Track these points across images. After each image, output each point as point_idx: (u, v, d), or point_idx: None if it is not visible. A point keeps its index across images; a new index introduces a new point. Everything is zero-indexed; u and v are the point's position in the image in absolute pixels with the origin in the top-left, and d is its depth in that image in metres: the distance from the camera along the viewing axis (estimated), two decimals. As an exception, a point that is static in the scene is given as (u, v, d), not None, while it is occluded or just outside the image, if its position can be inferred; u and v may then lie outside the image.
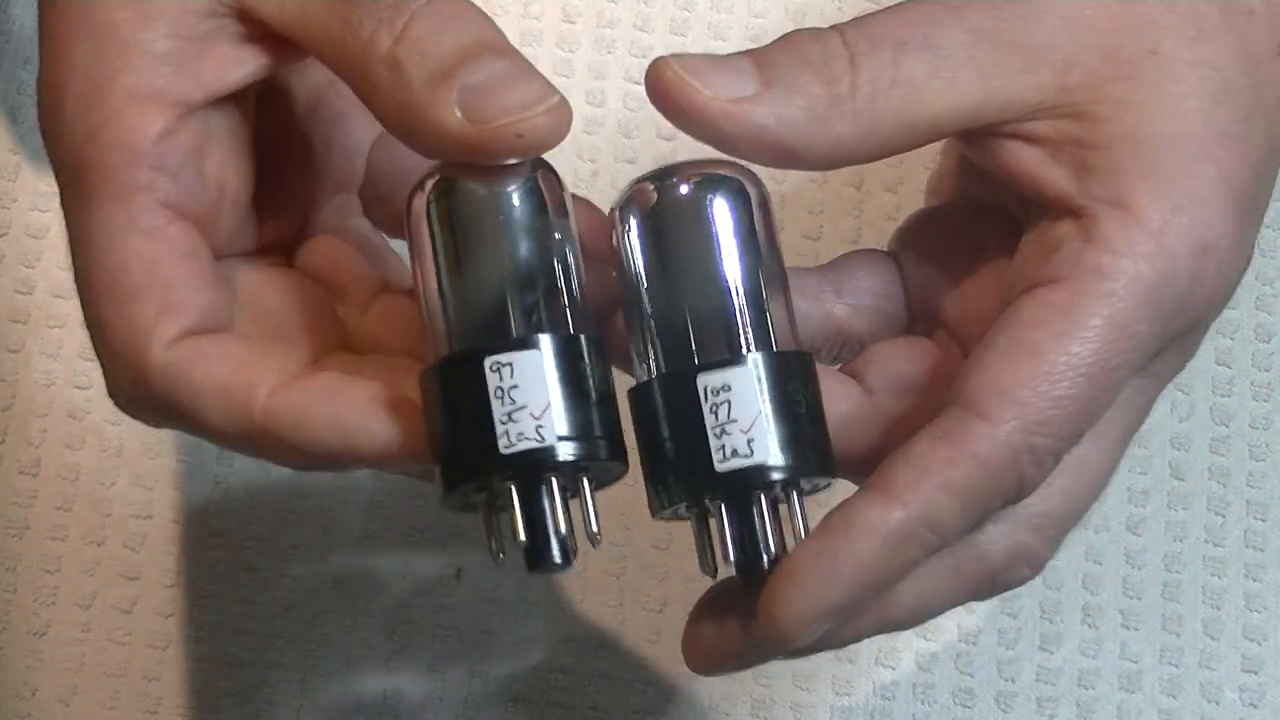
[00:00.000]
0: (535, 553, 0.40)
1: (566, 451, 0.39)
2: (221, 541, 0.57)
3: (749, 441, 0.40)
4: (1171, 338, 0.42)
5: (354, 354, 0.44)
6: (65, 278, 0.59)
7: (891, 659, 0.56)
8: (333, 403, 0.40)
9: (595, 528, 0.41)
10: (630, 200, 0.42)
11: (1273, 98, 0.42)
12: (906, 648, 0.57)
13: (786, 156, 0.41)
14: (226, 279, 0.43)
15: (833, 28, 0.42)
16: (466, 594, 0.57)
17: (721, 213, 0.42)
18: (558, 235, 0.41)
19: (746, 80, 0.41)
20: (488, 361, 0.39)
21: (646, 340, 0.42)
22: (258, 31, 0.42)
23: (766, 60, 0.42)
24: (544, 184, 0.41)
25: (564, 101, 0.40)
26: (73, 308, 0.58)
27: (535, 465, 0.39)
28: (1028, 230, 0.43)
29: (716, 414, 0.40)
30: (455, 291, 0.41)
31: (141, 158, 0.41)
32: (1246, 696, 0.56)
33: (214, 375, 0.41)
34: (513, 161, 0.41)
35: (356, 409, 0.40)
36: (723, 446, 0.40)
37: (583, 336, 0.41)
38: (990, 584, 0.43)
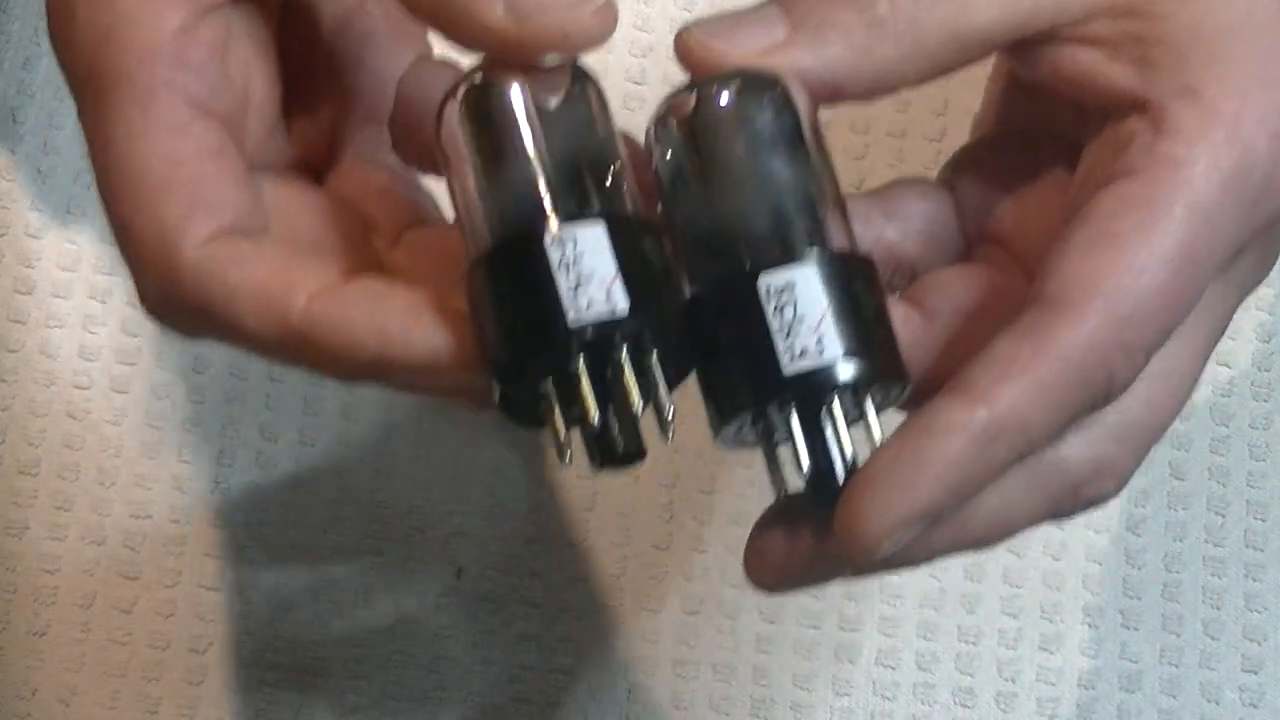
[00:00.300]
0: (606, 440, 0.38)
1: (641, 319, 0.37)
2: (221, 542, 0.57)
3: (817, 340, 0.38)
4: (1253, 231, 0.40)
5: (388, 276, 0.42)
6: (65, 278, 0.59)
7: (891, 659, 0.56)
8: (374, 308, 0.38)
9: (669, 414, 0.38)
10: (671, 110, 0.40)
11: None
12: (906, 648, 0.57)
13: (832, 93, 0.40)
14: (257, 188, 0.41)
15: None
16: (466, 594, 0.56)
17: (767, 113, 0.40)
18: (601, 125, 0.40)
19: (775, 27, 0.40)
20: (548, 234, 0.37)
21: (697, 254, 0.40)
22: None
23: (793, 2, 0.40)
24: (583, 79, 0.40)
25: (611, 3, 0.38)
26: (72, 307, 0.58)
27: (607, 335, 0.37)
28: (1090, 141, 0.42)
29: (781, 314, 0.38)
30: (498, 188, 0.39)
31: (160, 55, 0.39)
32: (1246, 696, 0.56)
33: (250, 277, 0.39)
34: (553, 64, 0.39)
35: (399, 315, 0.38)
36: (790, 347, 0.38)
37: (638, 215, 0.39)
38: (1072, 497, 0.41)
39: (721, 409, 0.39)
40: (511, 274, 0.37)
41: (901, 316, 0.41)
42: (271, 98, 0.42)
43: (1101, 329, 0.38)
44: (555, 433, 0.38)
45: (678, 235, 0.40)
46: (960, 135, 0.46)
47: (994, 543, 0.41)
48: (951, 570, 0.57)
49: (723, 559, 0.56)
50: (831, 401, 0.38)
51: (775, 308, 0.38)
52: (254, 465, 0.57)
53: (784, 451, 0.39)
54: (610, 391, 0.37)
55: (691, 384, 0.39)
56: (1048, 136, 0.44)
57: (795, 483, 0.39)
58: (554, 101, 0.39)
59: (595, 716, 0.56)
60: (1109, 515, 0.58)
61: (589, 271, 0.37)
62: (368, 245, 0.43)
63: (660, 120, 0.40)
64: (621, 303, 0.37)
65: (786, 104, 0.40)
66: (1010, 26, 0.40)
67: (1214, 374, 0.59)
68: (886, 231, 0.43)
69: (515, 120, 0.39)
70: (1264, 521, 0.58)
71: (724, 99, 0.40)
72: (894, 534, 0.38)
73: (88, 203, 0.60)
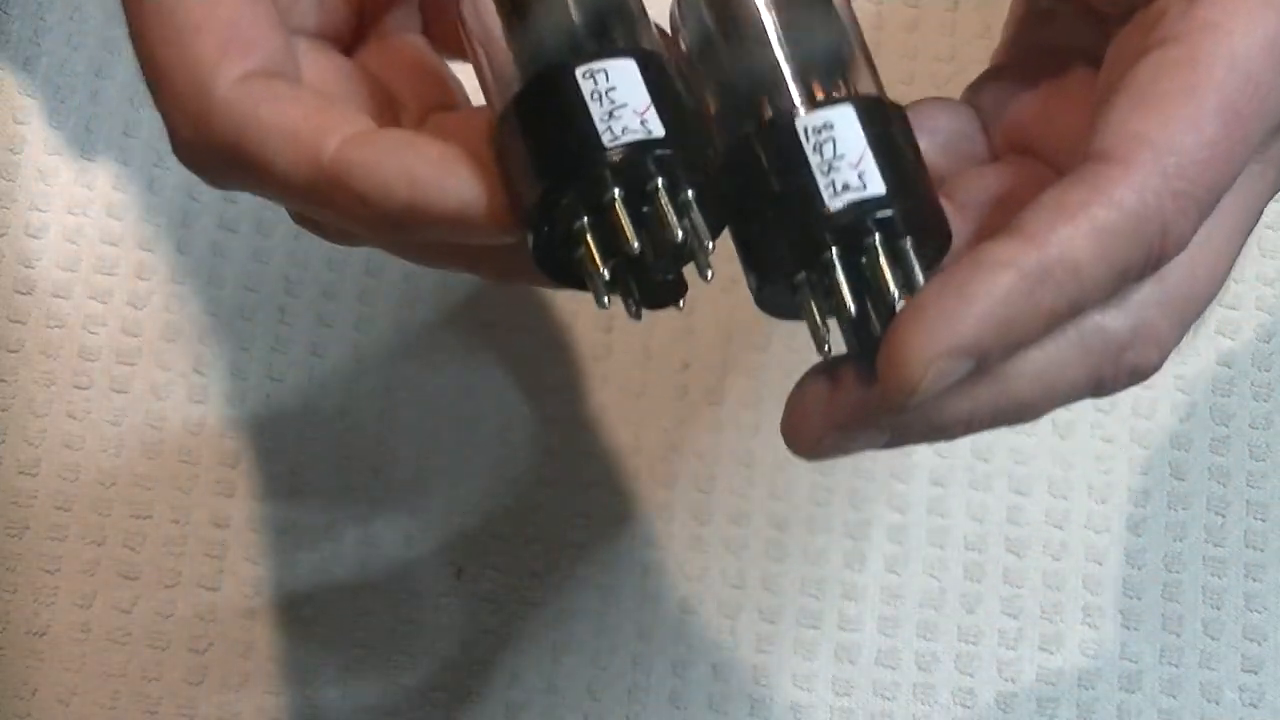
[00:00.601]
0: (645, 274, 0.38)
1: (676, 145, 0.37)
2: (222, 542, 0.57)
3: (860, 175, 0.37)
4: None
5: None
6: (65, 278, 0.59)
7: (892, 659, 0.56)
8: (406, 155, 0.38)
9: (708, 249, 0.37)
10: None
11: None
12: (906, 648, 0.57)
13: None
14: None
15: None
16: (466, 594, 0.56)
17: None
18: None
19: None
20: (580, 70, 0.37)
21: (729, 115, 0.39)
22: None
23: None
24: None
25: None
26: (72, 307, 0.59)
27: (642, 161, 0.37)
28: (1119, 31, 0.41)
29: (821, 152, 0.37)
30: (526, 33, 0.38)
31: None
32: (1246, 696, 0.56)
33: (284, 115, 0.38)
34: None
35: (432, 162, 0.38)
36: (832, 183, 0.37)
37: (667, 57, 0.38)
38: (1115, 364, 0.40)
39: (765, 263, 0.38)
40: (543, 109, 0.37)
41: None
42: None
43: (1154, 177, 0.38)
44: (592, 271, 0.38)
45: (710, 99, 0.40)
46: (969, 55, 0.46)
47: (1037, 412, 0.40)
48: (951, 570, 0.57)
49: (722, 558, 0.56)
50: (875, 239, 0.37)
51: (815, 146, 0.37)
52: (253, 465, 0.57)
53: (827, 309, 0.38)
54: (648, 223, 0.37)
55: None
56: (1068, 51, 0.43)
57: (840, 346, 0.38)
58: None
59: (595, 716, 0.56)
60: (1109, 515, 0.58)
61: (622, 100, 0.37)
62: (396, 113, 0.42)
63: None
64: (657, 128, 0.36)
65: None
66: None
67: (1214, 374, 0.59)
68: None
69: None
70: (1264, 521, 0.58)
71: None
72: (938, 369, 0.37)
73: (88, 203, 0.60)
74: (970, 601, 0.57)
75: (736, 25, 0.39)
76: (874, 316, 0.38)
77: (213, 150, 0.39)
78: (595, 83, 0.37)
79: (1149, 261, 0.38)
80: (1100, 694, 0.56)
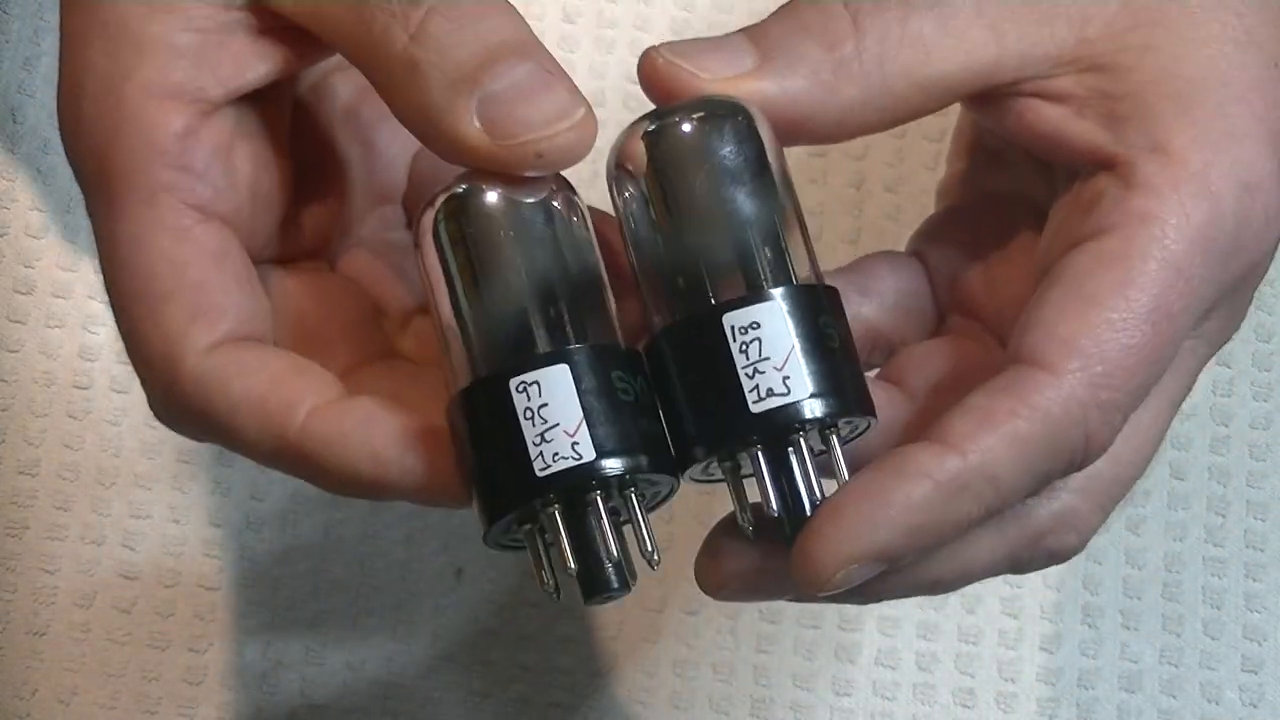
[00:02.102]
0: (590, 580, 0.38)
1: (609, 467, 0.37)
2: (221, 542, 0.57)
3: (784, 379, 0.37)
4: (1225, 286, 0.40)
5: (394, 364, 0.43)
6: (65, 278, 0.59)
7: (891, 659, 0.56)
8: (370, 432, 0.39)
9: (651, 546, 0.38)
10: (628, 146, 0.40)
11: None
12: (906, 648, 0.57)
13: (793, 129, 0.40)
14: (263, 283, 0.42)
15: None
16: (466, 594, 0.56)
17: (732, 142, 0.39)
18: (577, 245, 0.39)
19: (743, 56, 0.40)
20: (513, 382, 0.37)
21: (664, 298, 0.39)
22: (277, 25, 0.41)
23: (763, 33, 0.40)
24: (562, 194, 0.40)
25: (589, 115, 0.38)
26: (72, 307, 0.59)
27: (576, 485, 0.37)
28: (1058, 197, 0.42)
29: (746, 353, 0.38)
30: (474, 314, 0.39)
31: (163, 156, 0.40)
32: (1246, 696, 0.56)
33: (251, 389, 0.39)
34: (533, 175, 0.39)
35: (392, 440, 0.39)
36: (756, 387, 0.37)
37: (610, 346, 0.39)
38: (1033, 548, 0.41)
39: (689, 449, 0.38)
40: (483, 418, 0.38)
41: (886, 399, 0.41)
42: (281, 189, 0.43)
43: (1080, 388, 0.38)
44: (538, 573, 0.39)
45: (643, 269, 0.40)
46: (917, 183, 0.46)
47: (949, 589, 0.41)
48: (951, 570, 0.57)
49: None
50: (799, 440, 0.38)
51: (740, 346, 0.38)
52: (253, 465, 0.57)
53: (750, 484, 0.39)
54: (587, 532, 0.38)
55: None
56: (1014, 201, 0.44)
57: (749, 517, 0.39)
58: (526, 215, 0.39)
59: (595, 716, 0.56)
60: (1109, 515, 0.58)
61: (554, 420, 0.37)
62: (378, 329, 0.43)
63: (621, 149, 0.40)
64: (588, 451, 0.37)
65: (751, 133, 0.39)
66: (974, 76, 0.40)
67: (1214, 374, 0.59)
68: (862, 310, 0.43)
69: (491, 236, 0.39)
70: (1264, 521, 0.58)
71: (688, 126, 0.39)
72: (850, 570, 0.38)
73: (87, 203, 0.60)
74: (970, 601, 0.57)
75: (670, 198, 0.39)
76: (801, 504, 0.38)
77: (184, 416, 0.40)
78: (528, 398, 0.37)
79: (1071, 467, 0.39)
80: (1100, 694, 0.56)
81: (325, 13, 0.40)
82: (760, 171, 0.39)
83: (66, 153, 0.42)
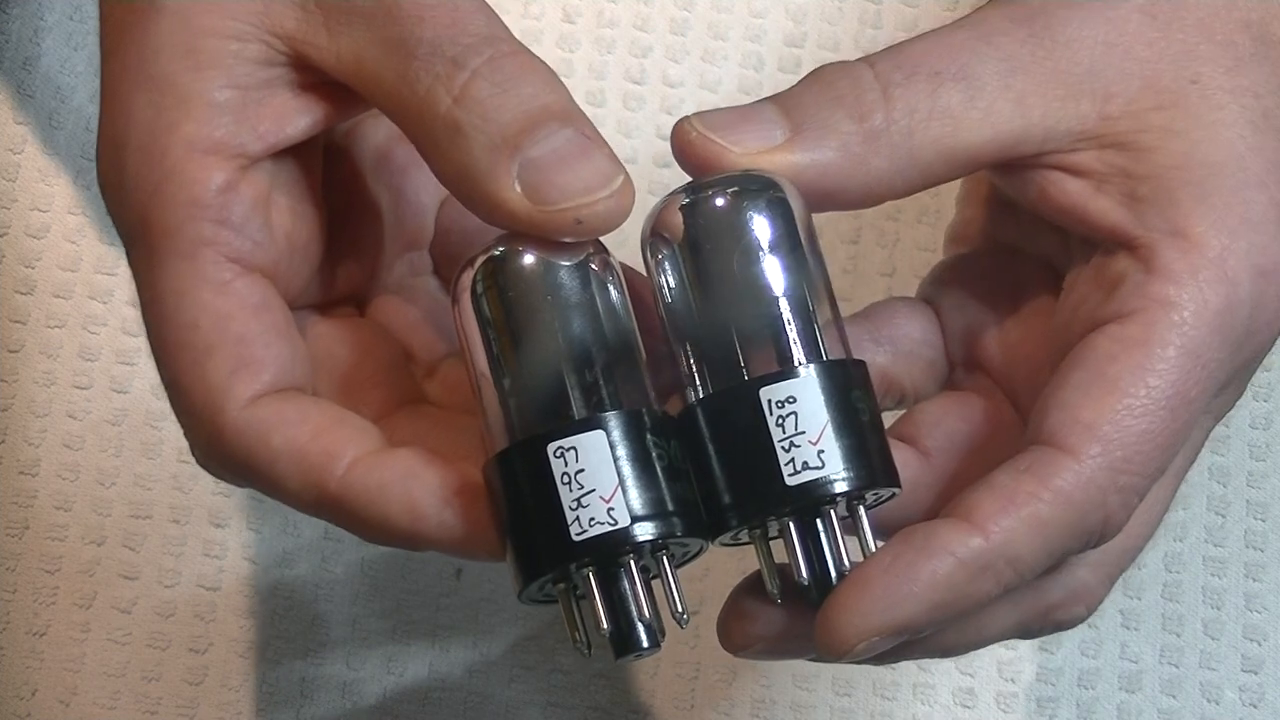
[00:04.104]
0: (621, 639, 0.39)
1: (642, 532, 0.38)
2: (221, 542, 0.57)
3: (819, 453, 0.39)
4: (1238, 367, 0.42)
5: (424, 410, 0.43)
6: (65, 278, 0.59)
7: (891, 659, 0.56)
8: (408, 486, 0.39)
9: (680, 607, 0.39)
10: (664, 218, 0.40)
11: None
12: (906, 648, 0.57)
13: (824, 199, 0.41)
14: (299, 329, 0.42)
15: (863, 60, 0.41)
16: (466, 594, 0.56)
17: (761, 219, 0.40)
18: (613, 309, 0.40)
19: (774, 129, 0.40)
20: (550, 448, 0.38)
21: (696, 365, 0.40)
22: (317, 80, 0.41)
23: (794, 103, 0.41)
24: (599, 256, 0.40)
25: (627, 183, 0.39)
26: (72, 307, 0.59)
27: (611, 550, 0.38)
28: (1074, 266, 0.43)
29: (783, 426, 0.39)
30: (511, 375, 0.39)
31: (204, 211, 0.40)
32: (1246, 696, 0.56)
33: (291, 441, 0.40)
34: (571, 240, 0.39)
35: (431, 495, 0.39)
36: (792, 460, 0.39)
37: (645, 410, 0.39)
38: (1043, 619, 0.42)
39: (724, 516, 0.39)
40: (521, 481, 0.38)
41: (902, 459, 0.42)
42: (316, 239, 0.43)
43: (1100, 472, 0.39)
44: (572, 633, 0.40)
45: (675, 333, 0.41)
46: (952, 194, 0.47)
47: (959, 654, 0.42)
48: (951, 570, 0.57)
49: (724, 558, 0.56)
50: (829, 510, 0.39)
51: (777, 420, 0.39)
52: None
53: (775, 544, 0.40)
54: (621, 594, 0.39)
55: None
56: (1028, 256, 0.45)
57: (774, 585, 0.40)
58: (564, 279, 0.39)
59: (595, 716, 0.55)
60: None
61: (591, 485, 0.38)
62: (407, 375, 0.44)
63: (658, 219, 0.40)
64: (623, 518, 0.38)
65: (784, 209, 0.40)
66: (1000, 147, 0.41)
67: (1214, 374, 0.59)
68: (877, 357, 0.44)
69: (529, 300, 0.39)
70: (1264, 521, 0.58)
71: (722, 201, 0.40)
72: (872, 640, 0.39)
73: (88, 203, 0.60)
74: (970, 601, 0.57)
75: (705, 272, 0.40)
76: (828, 573, 0.39)
77: (226, 465, 0.41)
78: (565, 463, 0.38)
79: (1088, 546, 0.40)
80: (1100, 694, 0.56)
81: (367, 71, 0.40)
82: (793, 247, 0.40)
83: (107, 204, 0.42)
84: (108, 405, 0.58)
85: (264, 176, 0.41)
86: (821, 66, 0.42)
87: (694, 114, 0.41)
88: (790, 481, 0.39)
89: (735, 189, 0.40)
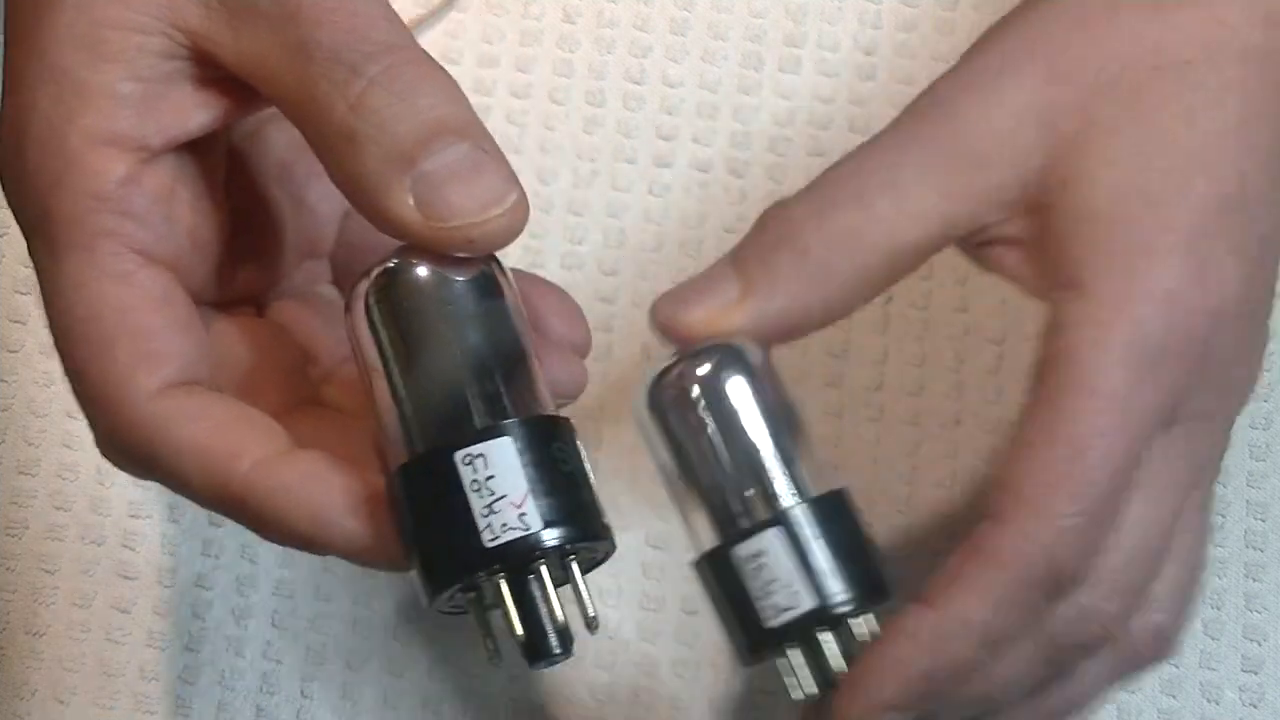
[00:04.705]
0: (534, 646, 0.39)
1: (554, 537, 0.38)
2: (220, 542, 0.57)
3: (793, 594, 0.40)
4: (1173, 387, 0.42)
5: (321, 411, 0.44)
6: (64, 277, 0.59)
7: (891, 659, 0.56)
8: (312, 490, 0.39)
9: (592, 611, 0.40)
10: (652, 389, 0.43)
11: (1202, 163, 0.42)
12: (906, 648, 0.57)
13: (791, 332, 0.42)
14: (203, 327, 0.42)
15: (795, 196, 0.43)
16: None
17: (727, 383, 0.42)
18: (508, 317, 0.40)
19: (728, 287, 0.42)
20: (459, 455, 0.38)
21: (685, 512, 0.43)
22: (219, 75, 0.41)
23: (743, 257, 0.43)
24: (492, 264, 0.40)
25: (521, 200, 0.39)
26: (72, 307, 0.59)
27: (524, 555, 0.38)
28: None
29: (759, 576, 0.41)
30: (408, 385, 0.40)
31: (104, 203, 0.40)
32: (1246, 696, 0.56)
33: (195, 436, 0.40)
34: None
35: (335, 502, 0.39)
36: (774, 605, 0.41)
37: (545, 417, 0.40)
38: (1055, 648, 0.43)
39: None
40: (428, 489, 0.39)
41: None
42: (217, 237, 0.43)
43: (1025, 532, 0.41)
44: (484, 639, 0.40)
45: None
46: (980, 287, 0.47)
47: (1008, 699, 0.43)
48: (951, 570, 0.57)
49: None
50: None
51: (749, 572, 0.41)
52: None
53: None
54: (533, 600, 0.39)
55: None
56: None
57: (802, 691, 0.42)
58: (465, 292, 0.40)
59: (596, 717, 0.55)
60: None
61: (501, 490, 0.38)
62: (304, 378, 0.44)
63: (649, 393, 0.43)
64: (535, 521, 0.38)
65: (744, 365, 0.42)
66: (934, 239, 0.43)
67: (1214, 374, 0.59)
68: None
69: (424, 313, 0.40)
70: (1264, 521, 0.58)
71: (689, 374, 0.42)
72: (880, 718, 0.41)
73: (87, 202, 0.60)
74: (970, 601, 0.57)
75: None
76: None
77: (129, 457, 0.41)
78: (475, 470, 0.38)
79: (1061, 587, 0.41)
80: (1100, 694, 0.56)
81: (268, 72, 0.40)
82: (761, 399, 0.42)
83: (7, 195, 0.42)
84: (107, 405, 0.58)
85: (166, 170, 0.41)
86: (764, 212, 0.43)
87: (661, 295, 0.42)
88: (769, 624, 0.41)
89: (697, 362, 0.42)
